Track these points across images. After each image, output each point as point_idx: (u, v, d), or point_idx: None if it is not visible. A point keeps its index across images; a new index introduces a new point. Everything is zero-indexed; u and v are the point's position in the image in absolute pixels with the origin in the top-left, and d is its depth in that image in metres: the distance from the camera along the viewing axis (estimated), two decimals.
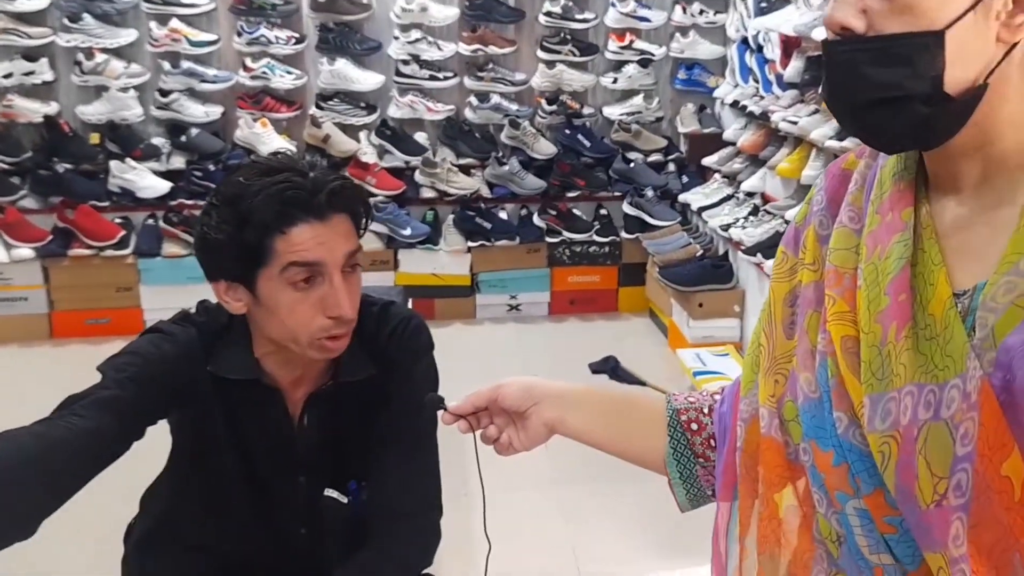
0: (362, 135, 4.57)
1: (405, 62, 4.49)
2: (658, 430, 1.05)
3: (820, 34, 2.16)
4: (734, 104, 4.23)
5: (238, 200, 1.27)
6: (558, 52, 4.57)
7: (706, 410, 1.05)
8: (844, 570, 0.81)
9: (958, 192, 0.80)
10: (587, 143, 4.65)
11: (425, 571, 1.48)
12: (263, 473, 1.43)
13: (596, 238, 4.59)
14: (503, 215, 4.60)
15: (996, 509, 0.67)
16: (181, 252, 4.26)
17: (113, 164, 4.31)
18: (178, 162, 4.43)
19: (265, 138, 4.38)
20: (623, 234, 4.61)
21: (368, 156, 4.49)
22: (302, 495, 1.44)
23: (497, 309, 4.64)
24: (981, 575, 0.68)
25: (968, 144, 0.78)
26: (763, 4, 3.96)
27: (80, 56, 4.29)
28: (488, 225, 4.51)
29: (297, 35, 4.46)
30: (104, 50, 4.30)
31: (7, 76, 4.25)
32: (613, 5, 4.56)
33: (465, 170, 4.59)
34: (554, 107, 4.63)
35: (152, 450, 1.42)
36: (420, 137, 4.64)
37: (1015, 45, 0.74)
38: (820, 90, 0.88)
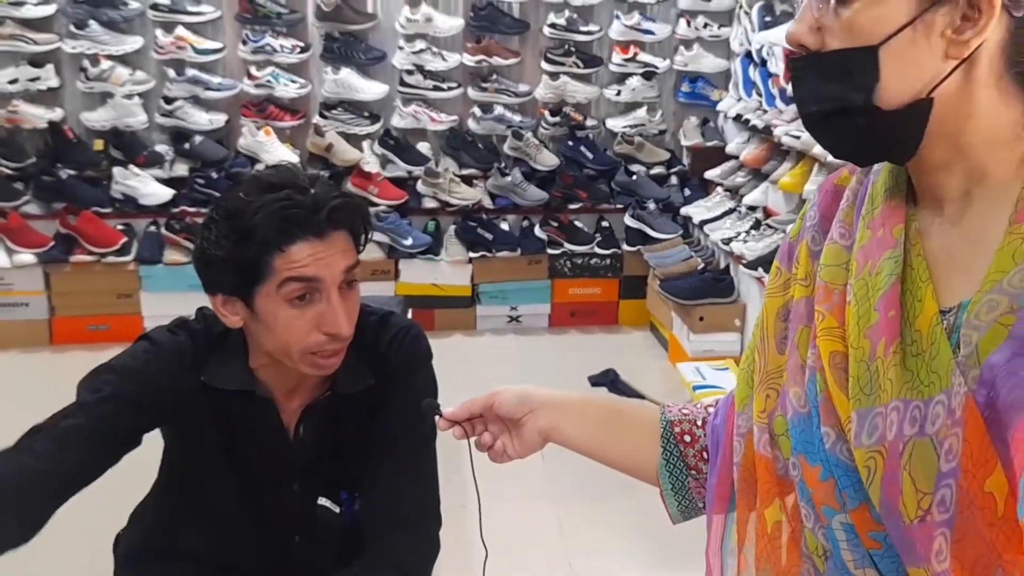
0: (365, 144, 4.58)
1: (409, 72, 4.50)
2: (651, 441, 1.05)
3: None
4: (737, 118, 4.23)
5: (238, 216, 1.27)
6: (562, 64, 4.58)
7: (700, 422, 1.05)
8: None
9: (942, 208, 0.81)
10: (590, 155, 4.66)
11: None
12: (257, 482, 1.43)
13: (597, 250, 4.59)
14: (505, 226, 4.60)
15: (979, 525, 0.67)
16: (182, 259, 4.26)
17: (116, 171, 4.32)
18: (181, 169, 4.44)
19: (268, 146, 4.39)
20: (624, 246, 4.61)
21: (371, 165, 4.50)
22: (296, 503, 1.44)
23: (497, 320, 4.64)
24: None
25: (942, 159, 0.79)
26: (767, 18, 3.97)
27: (86, 63, 4.31)
28: (489, 236, 4.51)
29: (302, 44, 4.47)
30: (109, 57, 4.32)
31: (13, 82, 4.27)
32: (617, 18, 4.57)
33: (467, 180, 4.60)
34: (557, 119, 4.64)
35: (144, 461, 1.42)
36: (423, 147, 4.64)
37: (965, 60, 0.75)
38: None
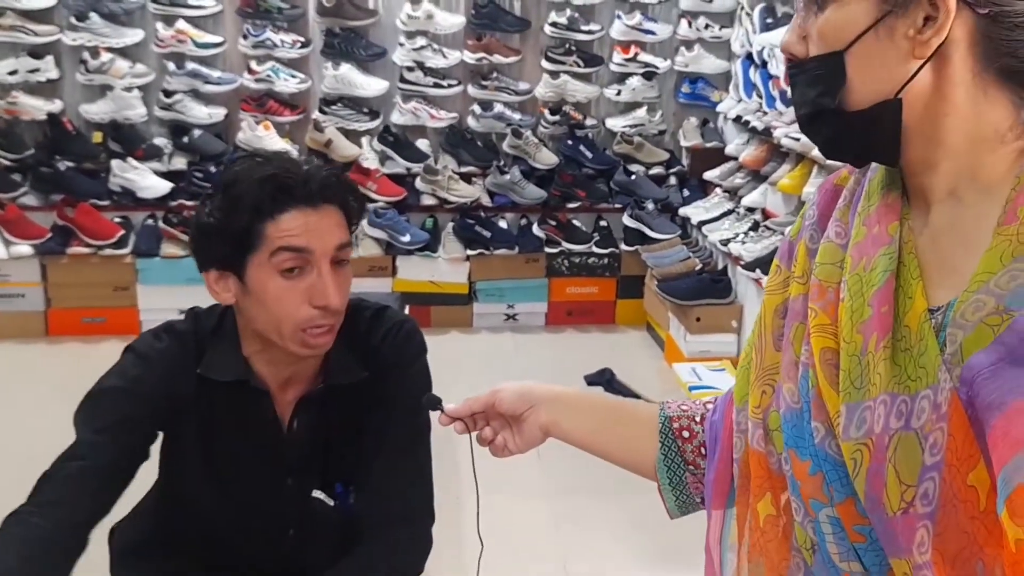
0: (364, 140, 4.58)
1: (409, 69, 4.50)
2: (650, 436, 1.07)
3: None
4: (737, 119, 4.23)
5: (232, 186, 1.31)
6: (562, 63, 4.58)
7: (698, 418, 1.06)
8: None
9: (931, 207, 0.82)
10: (589, 154, 4.66)
11: None
12: (251, 476, 1.43)
13: (595, 250, 4.59)
14: (503, 224, 4.60)
15: (961, 518, 0.68)
16: (180, 253, 4.26)
17: (115, 163, 4.32)
18: (180, 163, 4.44)
19: (267, 141, 4.39)
20: (622, 246, 4.61)
21: (370, 162, 4.50)
22: (291, 497, 1.44)
23: (494, 318, 4.64)
24: None
25: (926, 159, 0.80)
26: (768, 20, 3.98)
27: (86, 55, 4.30)
28: (487, 234, 4.51)
29: (302, 39, 4.47)
30: (110, 49, 4.31)
31: (12, 73, 4.26)
32: (619, 17, 4.57)
33: (466, 178, 4.59)
34: (557, 117, 4.64)
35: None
36: (422, 144, 4.64)
37: (928, 60, 0.76)
38: None
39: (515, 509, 2.87)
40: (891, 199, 0.85)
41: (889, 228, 0.83)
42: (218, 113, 4.46)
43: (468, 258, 4.52)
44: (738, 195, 4.25)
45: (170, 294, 4.04)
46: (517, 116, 4.63)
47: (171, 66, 4.38)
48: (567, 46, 4.58)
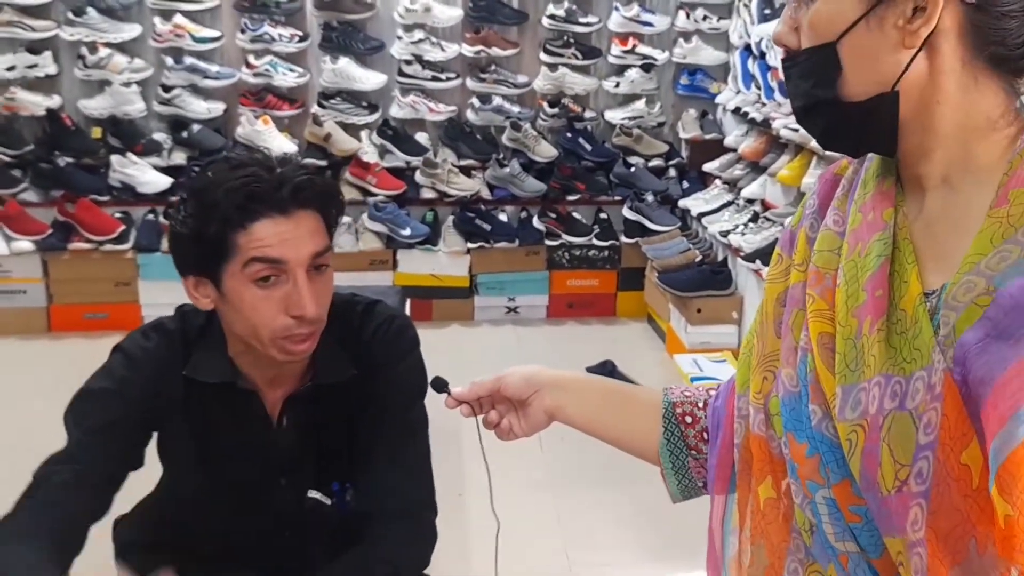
0: (363, 134, 4.58)
1: (408, 62, 4.49)
2: (653, 421, 1.08)
3: None
4: (736, 110, 4.24)
5: (203, 194, 1.27)
6: (561, 55, 4.58)
7: (701, 404, 1.08)
8: (816, 559, 0.84)
9: (926, 194, 0.83)
10: (588, 147, 4.66)
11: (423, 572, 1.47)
12: (244, 476, 1.41)
13: (595, 242, 4.59)
14: (503, 217, 4.60)
15: (955, 496, 0.70)
16: None
17: (114, 159, 4.31)
18: (179, 158, 4.44)
19: (266, 135, 4.38)
20: (623, 238, 4.60)
21: (369, 156, 4.50)
22: (285, 497, 1.43)
23: (495, 311, 4.64)
24: (937, 558, 0.70)
25: (920, 148, 0.82)
26: (766, 11, 3.97)
27: (84, 50, 4.30)
28: (488, 227, 4.51)
29: (300, 33, 4.46)
30: (108, 44, 4.31)
31: (10, 69, 4.26)
32: (617, 9, 4.57)
33: (466, 171, 4.59)
34: (556, 110, 4.63)
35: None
36: (421, 137, 4.64)
37: (920, 50, 0.77)
38: None
39: (517, 503, 2.87)
40: (886, 187, 0.86)
41: (884, 214, 0.84)
42: (217, 108, 4.46)
43: (469, 251, 4.52)
44: (737, 186, 4.25)
45: (172, 289, 3.97)
46: (516, 109, 4.63)
47: (169, 61, 4.37)
48: (565, 38, 4.57)
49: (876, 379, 0.77)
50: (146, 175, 4.33)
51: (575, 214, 4.62)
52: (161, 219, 4.37)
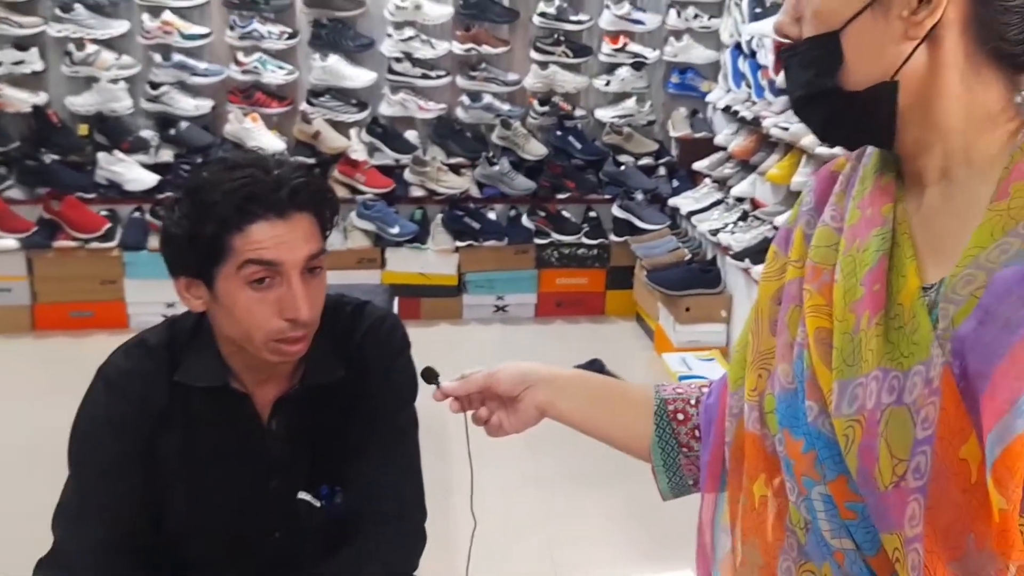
0: (353, 132, 4.56)
1: (398, 60, 4.48)
2: (645, 418, 1.07)
3: None
4: (726, 109, 4.23)
5: (199, 194, 1.26)
6: (551, 53, 4.57)
7: (693, 401, 1.07)
8: (810, 558, 0.83)
9: (926, 188, 0.83)
10: (578, 145, 4.65)
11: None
12: (235, 477, 1.41)
13: (585, 240, 4.59)
14: (492, 215, 4.59)
15: (953, 491, 0.69)
16: None
17: (101, 156, 4.29)
18: (166, 155, 4.41)
19: (255, 133, 4.36)
20: (612, 237, 4.60)
21: (358, 153, 4.48)
22: (275, 499, 1.42)
23: (484, 310, 4.63)
24: (935, 554, 0.70)
25: (920, 141, 0.81)
26: (757, 10, 3.97)
27: (71, 46, 4.27)
28: (477, 225, 4.50)
29: (290, 30, 4.44)
30: (95, 41, 4.28)
31: None
32: (607, 7, 4.56)
33: (455, 169, 4.58)
34: (546, 108, 4.63)
35: None
36: (411, 135, 4.63)
37: (923, 41, 0.77)
38: None
39: (503, 503, 2.86)
40: (885, 182, 0.86)
41: (883, 209, 0.84)
42: (205, 105, 4.43)
43: (457, 249, 4.51)
44: (727, 185, 4.25)
45: (158, 287, 3.97)
46: (506, 107, 4.62)
47: (157, 58, 4.35)
48: (556, 36, 4.56)
49: (874, 373, 0.76)
50: (133, 173, 4.31)
51: (564, 212, 4.61)
52: (148, 217, 4.35)
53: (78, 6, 4.23)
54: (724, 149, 4.30)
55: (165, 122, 4.41)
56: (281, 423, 1.41)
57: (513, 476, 2.98)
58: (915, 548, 0.71)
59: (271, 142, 4.35)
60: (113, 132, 4.36)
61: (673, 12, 4.59)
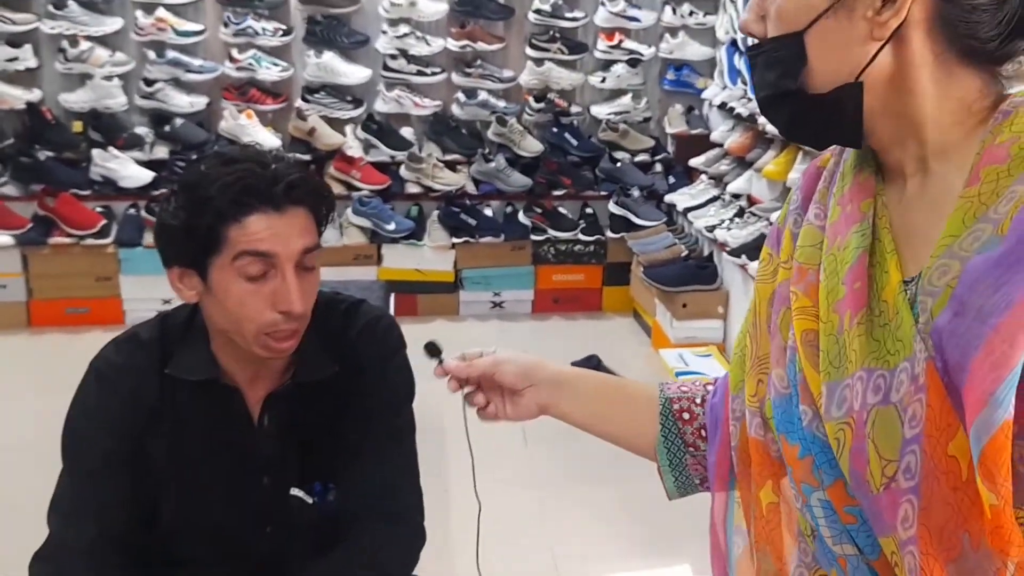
0: (348, 129, 4.55)
1: (393, 56, 4.47)
2: (650, 418, 1.07)
3: None
4: (722, 106, 4.23)
5: (196, 186, 1.27)
6: (547, 50, 4.56)
7: (698, 400, 1.06)
8: (820, 564, 0.82)
9: (905, 180, 0.82)
10: (574, 142, 4.65)
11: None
12: (226, 473, 1.40)
13: (581, 237, 4.59)
14: (488, 212, 4.59)
15: (944, 489, 0.68)
16: None
17: (95, 153, 4.27)
18: (161, 152, 4.40)
19: (250, 130, 4.35)
20: (608, 233, 4.60)
21: (353, 150, 4.47)
22: (267, 495, 1.42)
23: (480, 306, 4.63)
24: (930, 556, 0.69)
25: (893, 138, 0.80)
26: None
27: (64, 43, 4.25)
28: (473, 222, 4.49)
29: (284, 27, 4.43)
30: (89, 38, 4.26)
31: None
32: (603, 4, 4.56)
33: (451, 166, 4.58)
34: (542, 105, 4.62)
35: None
36: (406, 132, 4.62)
37: (888, 42, 0.76)
38: None
39: (501, 500, 2.87)
40: (863, 177, 0.85)
41: (861, 206, 0.83)
42: (200, 102, 4.42)
43: (454, 246, 4.51)
44: (723, 182, 4.25)
45: (153, 284, 3.98)
46: (502, 104, 4.61)
47: (151, 54, 4.33)
48: (551, 33, 4.56)
49: (858, 374, 0.75)
50: (127, 169, 4.29)
51: (561, 209, 4.61)
52: (143, 213, 4.34)
53: (71, 3, 4.21)
54: (720, 145, 4.30)
55: (160, 119, 4.40)
56: (272, 419, 1.41)
57: (511, 473, 2.98)
58: (910, 551, 0.70)
59: (266, 139, 4.35)
60: (108, 129, 4.35)
61: (668, 9, 4.59)
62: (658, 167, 4.74)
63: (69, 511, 1.35)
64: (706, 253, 4.30)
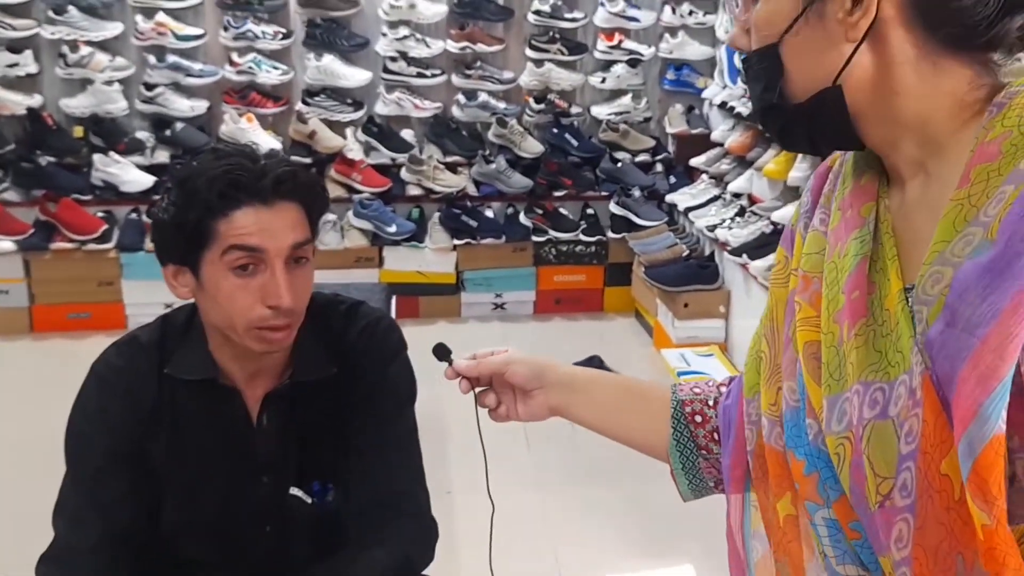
0: (348, 132, 4.55)
1: (393, 59, 4.47)
2: (662, 420, 1.05)
3: None
4: (722, 105, 4.23)
5: (185, 181, 1.28)
6: (546, 51, 4.56)
7: (711, 403, 1.05)
8: None
9: (906, 182, 0.79)
10: (575, 142, 4.65)
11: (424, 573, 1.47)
12: (225, 473, 1.41)
13: (582, 237, 4.59)
14: (489, 213, 4.59)
15: (938, 509, 0.65)
16: None
17: (96, 157, 4.28)
18: (162, 156, 4.40)
19: (251, 133, 4.35)
20: (609, 234, 4.60)
21: (354, 153, 4.47)
22: (266, 495, 1.42)
23: (482, 308, 4.63)
24: None
25: (886, 139, 0.78)
26: None
27: (65, 48, 4.26)
28: (474, 223, 4.49)
29: (284, 30, 4.43)
30: (89, 43, 4.27)
31: None
32: (602, 5, 4.55)
33: (452, 168, 4.58)
34: (542, 106, 4.62)
35: None
36: (407, 134, 4.62)
37: (862, 42, 0.74)
38: None
39: (504, 502, 2.86)
40: (865, 180, 0.83)
41: (862, 210, 0.81)
42: (200, 106, 4.43)
43: (455, 248, 4.51)
44: (724, 181, 4.25)
45: (155, 288, 3.94)
46: (502, 105, 4.61)
47: (152, 59, 4.33)
48: (551, 34, 4.56)
49: (855, 387, 0.73)
50: (129, 174, 4.30)
51: (562, 210, 4.61)
52: (144, 218, 4.34)
53: (71, 8, 4.21)
54: (721, 145, 4.30)
55: (160, 123, 4.40)
56: (271, 419, 1.41)
57: (514, 475, 2.97)
58: (903, 573, 0.67)
59: (267, 142, 4.34)
60: (108, 134, 4.35)
61: (668, 8, 4.59)
62: (659, 167, 4.73)
63: (73, 513, 1.35)
64: (707, 253, 4.30)
